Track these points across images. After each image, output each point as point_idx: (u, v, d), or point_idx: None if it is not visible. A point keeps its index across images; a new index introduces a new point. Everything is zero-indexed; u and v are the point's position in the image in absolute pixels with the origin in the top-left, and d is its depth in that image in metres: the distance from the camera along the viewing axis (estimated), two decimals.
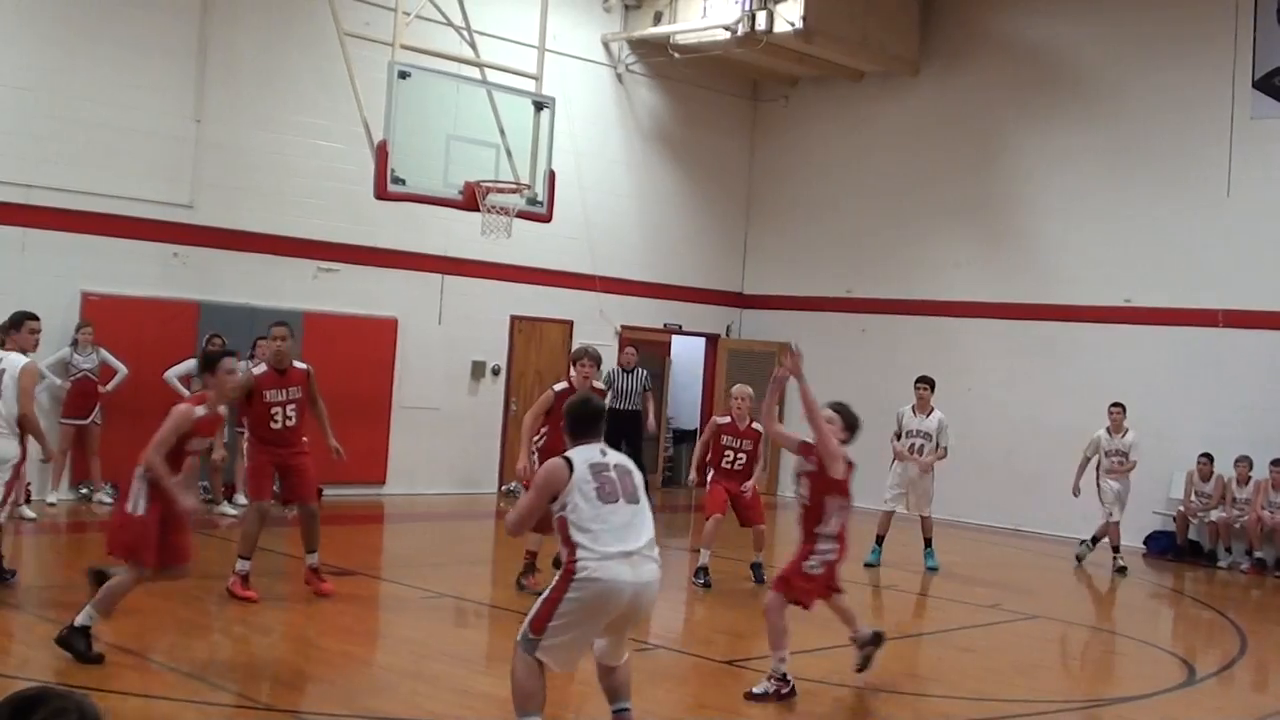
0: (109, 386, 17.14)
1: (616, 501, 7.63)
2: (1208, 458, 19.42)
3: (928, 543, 17.12)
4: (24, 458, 11.84)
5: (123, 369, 17.18)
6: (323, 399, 12.96)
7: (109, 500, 17.22)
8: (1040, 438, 20.97)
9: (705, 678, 10.62)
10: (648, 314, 24.27)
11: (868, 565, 16.62)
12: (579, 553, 7.50)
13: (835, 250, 24.56)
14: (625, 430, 20.66)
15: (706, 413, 25.30)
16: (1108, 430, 18.16)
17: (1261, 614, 16.47)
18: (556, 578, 7.63)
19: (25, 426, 11.62)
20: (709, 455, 15.08)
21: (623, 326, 23.59)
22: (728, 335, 25.76)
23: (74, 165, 17.34)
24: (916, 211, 23.59)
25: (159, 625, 11.12)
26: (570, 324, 22.82)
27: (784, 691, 9.50)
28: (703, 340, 25.72)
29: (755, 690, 9.55)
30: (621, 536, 7.58)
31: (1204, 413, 19.96)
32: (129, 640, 10.22)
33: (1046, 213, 22.11)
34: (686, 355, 25.86)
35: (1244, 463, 19.11)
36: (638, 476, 7.89)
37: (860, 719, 9.69)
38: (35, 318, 12.34)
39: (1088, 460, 18.21)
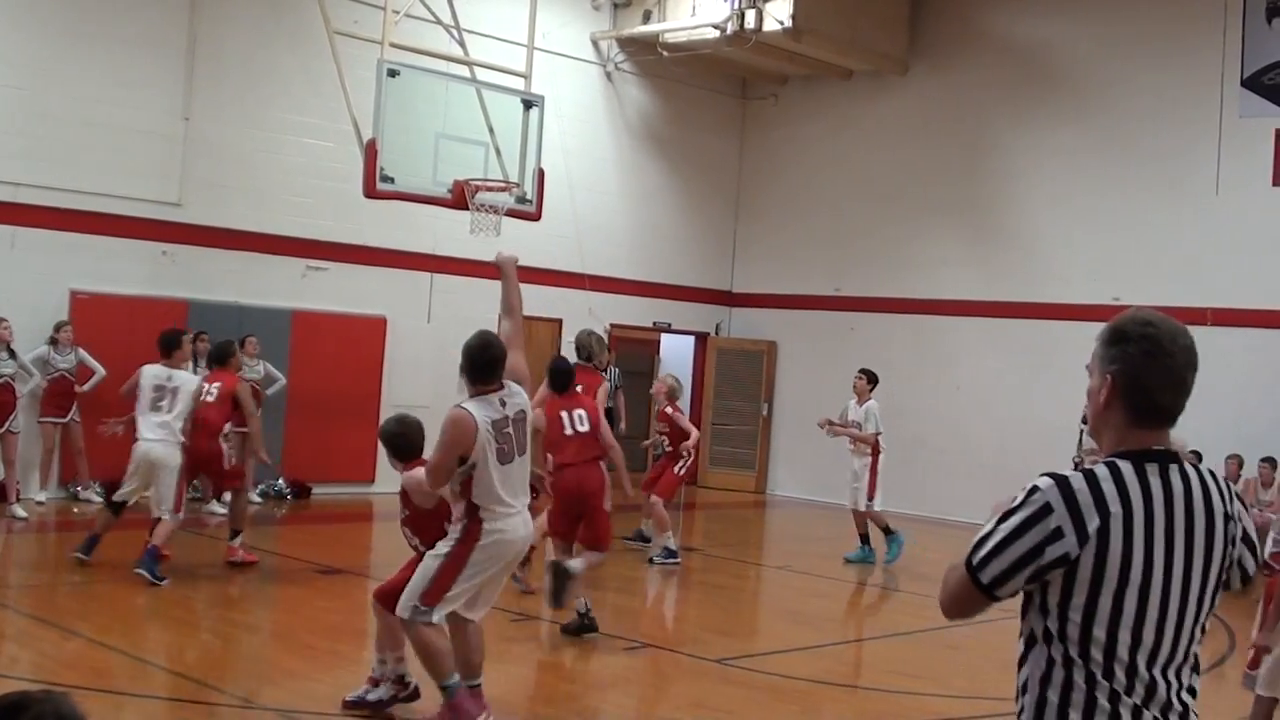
0: (86, 386, 17.01)
1: (512, 461, 8.06)
2: (1196, 456, 19.43)
3: (863, 539, 16.99)
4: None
5: (100, 370, 17.03)
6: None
7: (97, 499, 17.20)
8: (1029, 435, 20.97)
9: (695, 677, 10.60)
10: (637, 312, 24.26)
11: (847, 561, 16.79)
12: (483, 514, 7.90)
13: (824, 248, 24.56)
14: None
15: (696, 411, 25.33)
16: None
17: (1250, 612, 16.44)
18: (453, 541, 7.97)
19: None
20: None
21: (612, 325, 23.58)
22: (716, 334, 25.76)
23: (62, 163, 17.30)
24: (905, 210, 23.60)
25: (146, 624, 11.11)
26: (559, 322, 22.80)
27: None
28: (692, 339, 25.71)
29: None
30: (515, 492, 8.05)
31: (1192, 411, 19.44)
32: (117, 640, 10.21)
33: (1035, 211, 22.14)
34: (675, 354, 25.85)
35: (1233, 460, 19.13)
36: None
37: (851, 717, 9.69)
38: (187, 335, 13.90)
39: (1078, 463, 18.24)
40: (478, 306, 21.46)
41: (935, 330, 23.01)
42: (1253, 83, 19.86)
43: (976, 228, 22.86)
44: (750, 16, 21.20)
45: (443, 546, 8.00)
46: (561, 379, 12.36)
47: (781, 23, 21.17)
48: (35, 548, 15.26)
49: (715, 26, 21.76)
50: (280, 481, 18.92)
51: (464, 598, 7.99)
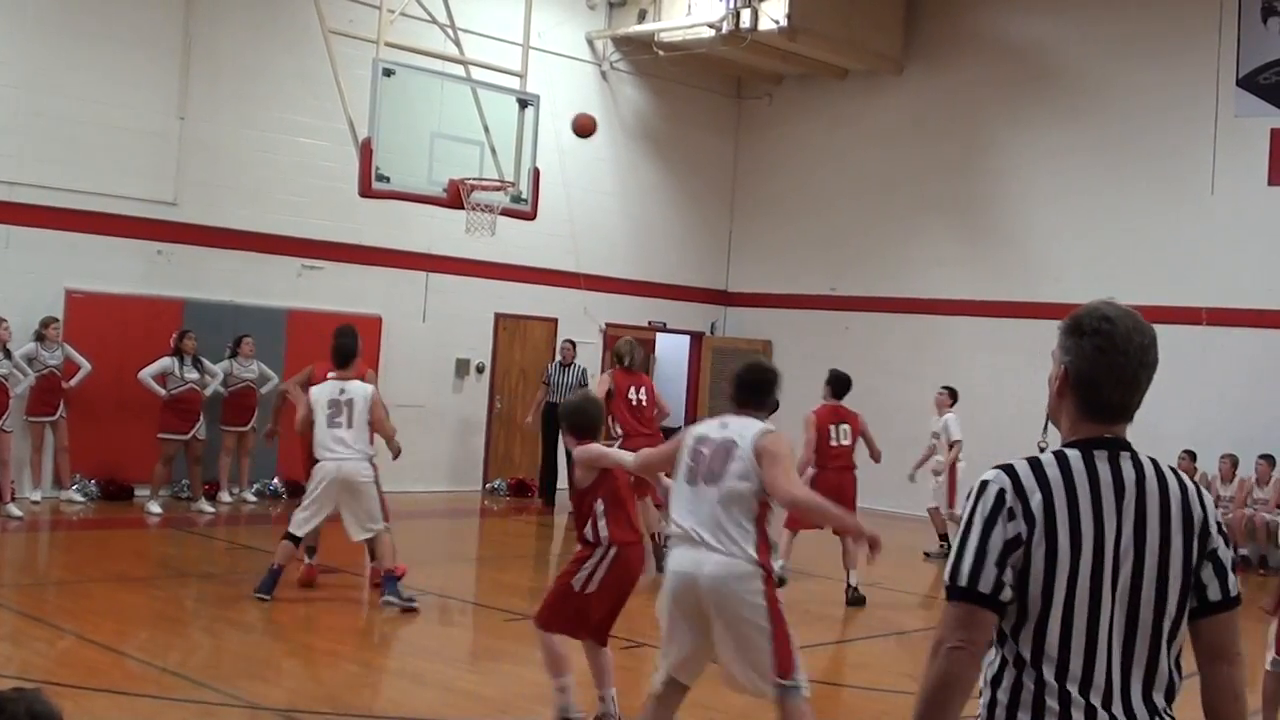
0: (72, 382, 17.00)
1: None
2: (1190, 455, 19.44)
3: (942, 538, 17.79)
4: None
5: (86, 365, 17.01)
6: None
7: (80, 499, 17.19)
8: (1025, 435, 20.90)
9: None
10: (632, 311, 24.26)
11: (927, 556, 17.56)
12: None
13: (819, 248, 24.56)
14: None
15: (691, 411, 25.32)
16: None
17: (1245, 611, 16.39)
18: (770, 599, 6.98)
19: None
20: None
21: (607, 324, 23.58)
22: (712, 333, 25.76)
23: (58, 162, 17.28)
24: (901, 209, 23.60)
25: (141, 623, 11.10)
26: (555, 322, 22.80)
27: None
28: (687, 338, 25.71)
29: None
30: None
31: (1188, 410, 19.96)
32: (110, 638, 10.20)
33: (1030, 211, 22.14)
34: (671, 353, 25.85)
35: (1227, 459, 19.15)
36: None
37: (847, 717, 9.69)
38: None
39: None
40: (473, 306, 21.52)
41: (931, 330, 23.00)
42: (1248, 82, 19.86)
43: (972, 227, 22.86)
44: (745, 16, 21.20)
45: (764, 601, 6.97)
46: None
47: (777, 22, 21.17)
48: (29, 547, 15.24)
49: (710, 25, 21.75)
50: (276, 481, 18.91)
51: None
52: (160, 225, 18.24)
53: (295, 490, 18.53)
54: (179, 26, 18.37)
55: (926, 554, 17.80)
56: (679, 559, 7.00)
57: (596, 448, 8.29)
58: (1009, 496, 3.40)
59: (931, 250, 23.17)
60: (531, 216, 17.50)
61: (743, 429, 7.10)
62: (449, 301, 21.24)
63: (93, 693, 8.25)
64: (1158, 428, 20.43)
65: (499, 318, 22.17)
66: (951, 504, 17.49)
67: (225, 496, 18.14)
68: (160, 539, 16.01)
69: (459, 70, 17.48)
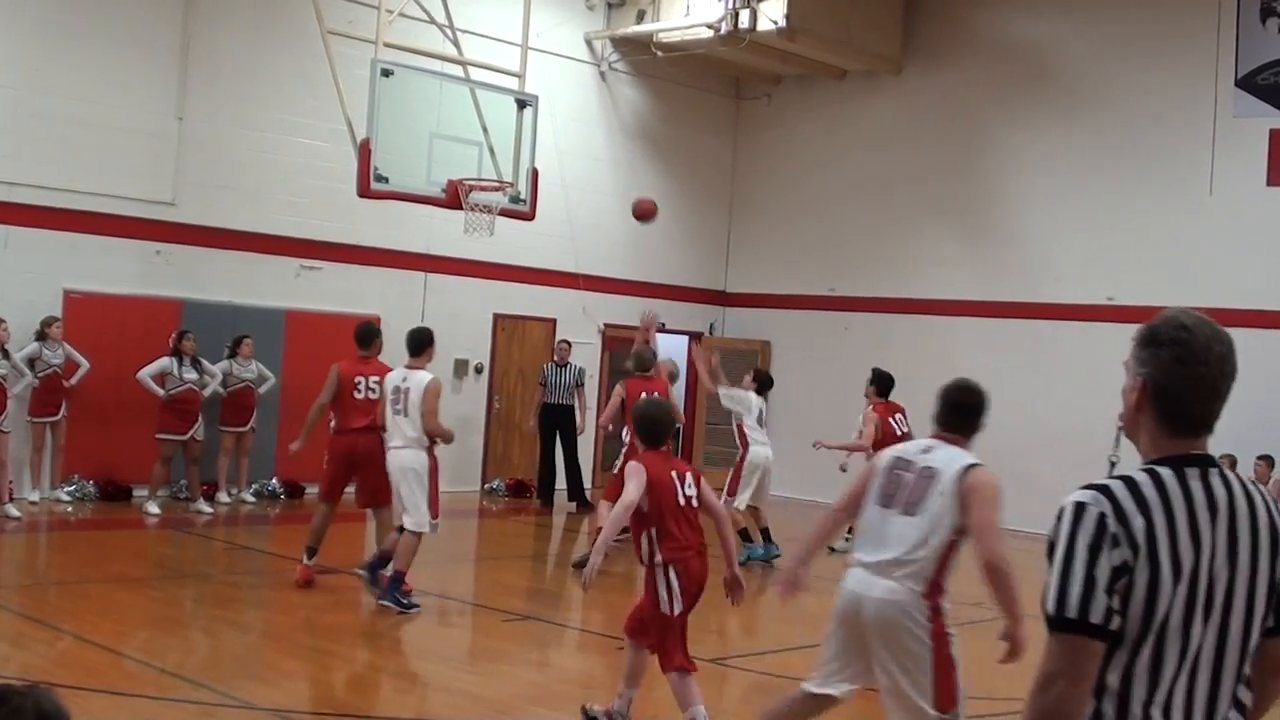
0: (72, 381, 17.01)
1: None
2: (1230, 460, 19.42)
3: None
4: None
5: (85, 363, 17.03)
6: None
7: (67, 499, 17.19)
8: (1024, 435, 20.90)
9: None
10: (630, 312, 24.17)
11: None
12: None
13: (818, 248, 24.55)
14: (558, 424, 20.81)
15: (689, 410, 25.32)
16: None
17: None
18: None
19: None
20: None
21: (605, 325, 23.59)
22: (710, 333, 25.75)
23: (56, 163, 17.28)
24: (900, 210, 23.60)
25: (139, 624, 11.10)
26: (553, 322, 22.80)
27: None
28: (685, 338, 25.68)
29: None
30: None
31: None
32: (109, 639, 10.20)
33: (1029, 211, 22.13)
34: (669, 353, 25.77)
35: (1226, 459, 19.14)
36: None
37: (844, 716, 9.67)
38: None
39: None
40: (471, 306, 21.52)
41: (930, 330, 22.99)
42: (1247, 83, 19.85)
43: (971, 227, 22.86)
44: (744, 16, 21.19)
45: (928, 636, 6.72)
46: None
47: (775, 22, 21.17)
48: (27, 548, 15.24)
49: (709, 26, 21.75)
50: (274, 481, 18.91)
51: None
52: (159, 225, 18.23)
53: (294, 491, 18.58)
54: (177, 27, 18.36)
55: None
56: (853, 579, 6.83)
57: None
58: (1110, 521, 3.29)
59: (930, 250, 23.17)
60: (530, 217, 17.50)
61: (948, 460, 6.85)
62: (447, 302, 21.23)
63: (91, 693, 8.25)
64: None
65: (498, 318, 22.16)
66: None
67: (224, 497, 18.13)
68: (158, 539, 16.00)
69: (458, 71, 17.48)
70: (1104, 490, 3.34)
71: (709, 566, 8.40)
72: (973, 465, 6.82)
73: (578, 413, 20.91)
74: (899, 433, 15.89)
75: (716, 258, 25.86)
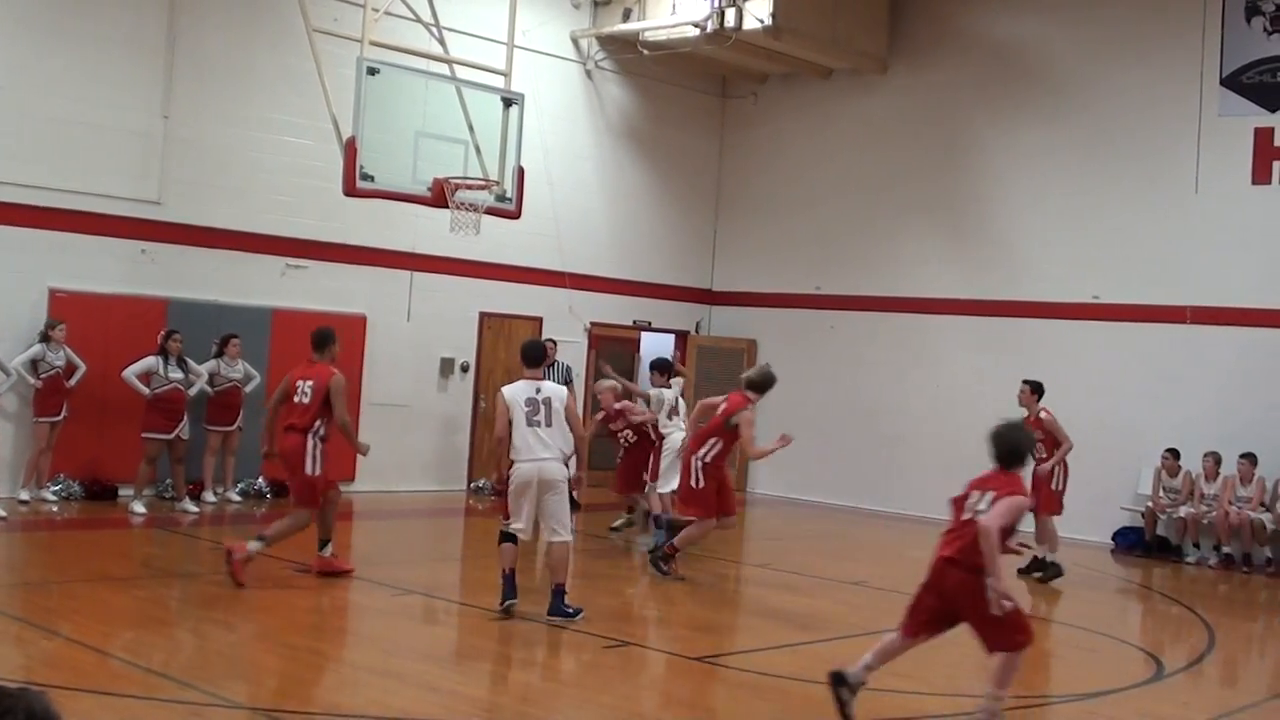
0: (71, 382, 17.08)
1: None
2: (1173, 453, 19.49)
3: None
4: None
5: (82, 365, 17.11)
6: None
7: (52, 499, 17.17)
8: None
9: (676, 675, 10.58)
10: (617, 310, 24.27)
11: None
12: None
13: (804, 247, 24.58)
14: None
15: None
16: None
17: (1229, 609, 16.54)
18: None
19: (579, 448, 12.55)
20: None
21: (592, 323, 23.59)
22: (697, 332, 25.76)
23: (41, 162, 17.26)
24: (885, 208, 23.63)
25: (127, 624, 11.08)
26: (539, 321, 22.80)
27: None
28: (672, 337, 25.71)
29: None
30: None
31: (1171, 409, 20.03)
32: (95, 639, 10.18)
33: (1015, 209, 22.16)
34: (656, 352, 25.81)
35: (1211, 458, 19.18)
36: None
37: (831, 716, 9.67)
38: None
39: None
40: (457, 305, 21.52)
41: (915, 328, 23.03)
42: (1232, 81, 19.91)
43: (956, 226, 22.89)
44: (730, 15, 21.21)
45: None
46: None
47: (761, 21, 21.19)
48: (12, 548, 15.19)
49: (695, 25, 21.76)
50: (260, 480, 18.89)
51: None
52: (144, 224, 18.22)
53: (280, 490, 18.55)
54: (162, 26, 18.34)
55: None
56: None
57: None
58: None
59: (916, 249, 23.20)
60: (516, 215, 17.49)
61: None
62: (433, 300, 21.23)
63: (79, 693, 8.23)
64: (1141, 426, 20.59)
65: (484, 317, 22.16)
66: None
67: (210, 496, 18.12)
68: (144, 539, 15.97)
69: (443, 69, 17.46)
70: None
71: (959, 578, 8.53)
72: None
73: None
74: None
75: (703, 256, 25.87)
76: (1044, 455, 16.47)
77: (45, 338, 16.78)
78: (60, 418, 17.04)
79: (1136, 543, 19.86)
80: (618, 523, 18.15)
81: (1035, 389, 16.95)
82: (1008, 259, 22.13)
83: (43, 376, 16.77)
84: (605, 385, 18.02)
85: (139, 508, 16.85)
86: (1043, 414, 16.69)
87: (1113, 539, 20.05)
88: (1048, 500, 16.54)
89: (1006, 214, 22.29)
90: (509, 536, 12.02)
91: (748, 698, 9.90)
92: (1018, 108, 22.18)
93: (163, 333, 17.53)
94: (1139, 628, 15.52)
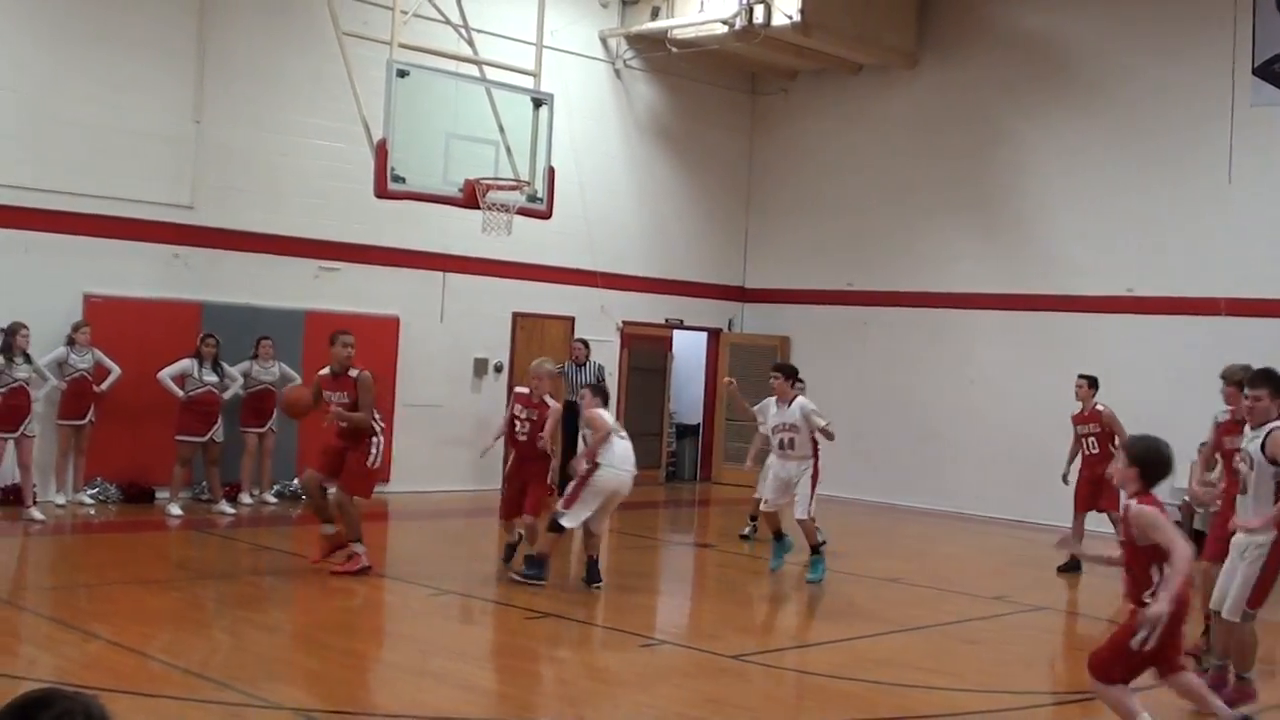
0: (103, 386, 17.14)
1: None
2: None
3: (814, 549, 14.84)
4: None
5: (116, 369, 17.17)
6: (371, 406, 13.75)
7: (89, 500, 17.26)
8: (1043, 428, 20.87)
9: (712, 673, 10.58)
10: (649, 309, 24.27)
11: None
12: None
13: (836, 243, 24.53)
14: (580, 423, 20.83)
15: (709, 408, 25.36)
16: None
17: (1269, 603, 16.44)
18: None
19: None
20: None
21: (624, 322, 23.60)
22: (729, 329, 25.75)
23: (75, 167, 17.35)
24: (917, 203, 23.57)
25: (163, 625, 11.13)
26: (572, 320, 22.82)
27: None
28: (704, 335, 25.70)
29: None
30: None
31: (1207, 401, 19.89)
32: (134, 640, 10.24)
33: (1047, 203, 22.08)
34: (688, 350, 25.84)
35: None
36: None
37: (867, 712, 9.67)
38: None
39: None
40: (490, 305, 21.56)
41: (948, 323, 22.97)
42: (1264, 71, 19.79)
43: (988, 221, 22.82)
44: (759, 11, 21.18)
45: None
46: None
47: (790, 17, 21.16)
48: (52, 550, 15.29)
49: (724, 22, 21.75)
50: (295, 482, 18.94)
51: None
52: (177, 229, 18.31)
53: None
54: (193, 31, 18.43)
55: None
56: None
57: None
58: None
59: (948, 244, 23.14)
60: (547, 215, 17.50)
61: None
62: (466, 301, 21.27)
63: (117, 694, 8.27)
64: (1177, 420, 20.43)
65: (516, 317, 22.18)
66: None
67: (246, 498, 18.19)
68: (181, 541, 16.06)
69: (473, 70, 17.49)
70: None
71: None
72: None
73: None
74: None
75: (734, 253, 25.85)
76: (1097, 451, 16.46)
77: (70, 340, 16.86)
78: (85, 421, 17.08)
79: None
80: (746, 530, 17.75)
81: (1092, 384, 16.90)
82: (1040, 253, 22.05)
83: (68, 379, 16.83)
84: (545, 370, 14.76)
85: (175, 510, 16.94)
86: (1100, 408, 16.66)
87: None
88: (1111, 496, 16.51)
89: (1038, 208, 22.20)
90: (559, 527, 12.79)
91: (785, 695, 9.91)
92: (1048, 101, 22.10)
93: (200, 335, 17.61)
94: None
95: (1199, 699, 8.57)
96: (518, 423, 14.18)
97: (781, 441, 14.71)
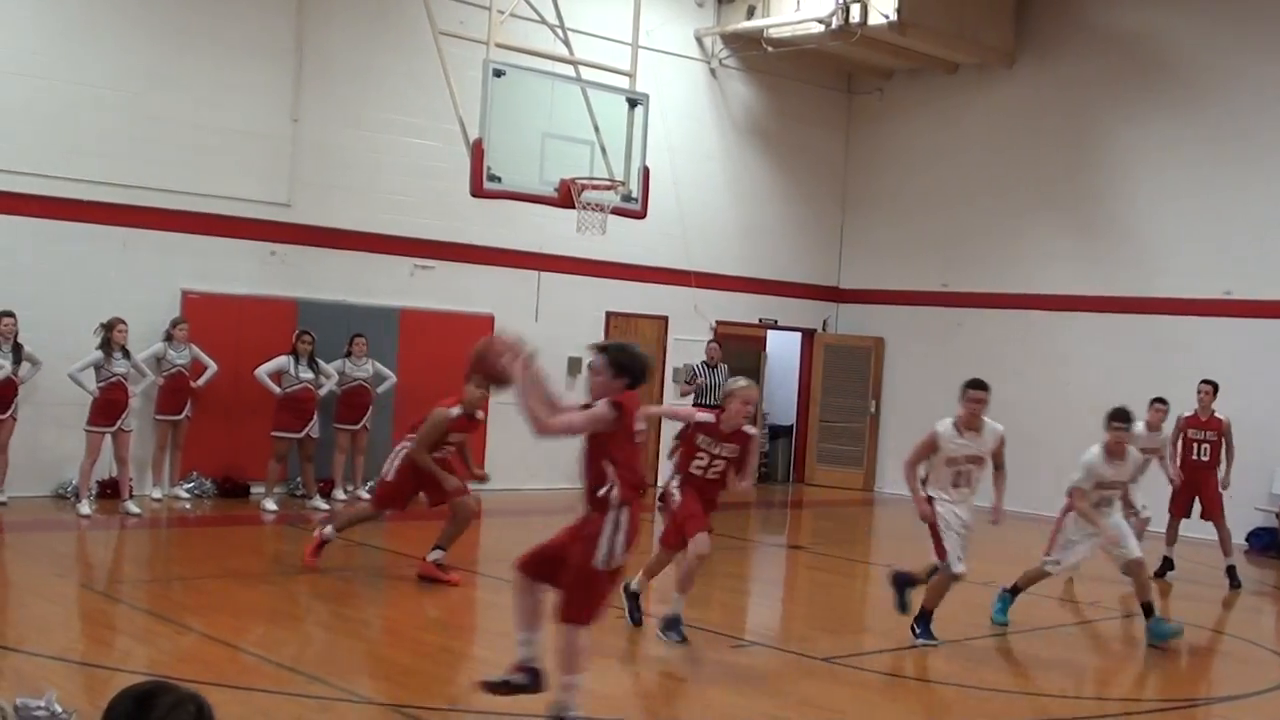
0: (200, 382, 17.32)
1: None
2: None
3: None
4: None
5: (213, 365, 17.35)
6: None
7: (185, 496, 17.45)
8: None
9: (802, 675, 10.53)
10: (743, 309, 24.23)
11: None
12: None
13: (931, 243, 24.39)
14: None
15: (802, 409, 25.28)
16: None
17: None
18: None
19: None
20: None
21: (718, 322, 23.56)
22: (824, 330, 25.66)
23: (174, 165, 17.56)
24: (1013, 204, 23.38)
25: (257, 619, 11.23)
26: (665, 320, 22.83)
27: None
28: (799, 335, 25.62)
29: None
30: None
31: None
32: (227, 634, 10.33)
33: (1144, 204, 21.84)
34: (782, 350, 25.76)
35: None
36: None
37: (960, 717, 9.61)
38: None
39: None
40: (584, 304, 21.59)
41: (1044, 326, 22.77)
42: None
43: (1085, 222, 22.60)
44: (855, 10, 21.10)
45: None
46: None
47: (886, 16, 21.06)
48: (148, 544, 15.47)
49: (820, 21, 21.68)
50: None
51: None
52: (274, 226, 18.49)
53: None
54: (291, 31, 18.60)
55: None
56: None
57: None
58: None
59: (1044, 245, 22.94)
60: (642, 215, 17.52)
61: None
62: (560, 300, 21.32)
63: (210, 687, 8.35)
64: (1276, 425, 20.13)
65: (610, 316, 22.21)
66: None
67: (340, 494, 18.32)
68: (276, 536, 16.21)
69: (569, 70, 17.53)
70: None
71: None
72: None
73: None
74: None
75: (829, 253, 25.75)
76: (1207, 459, 16.43)
77: (168, 336, 17.05)
78: (181, 417, 17.28)
79: (1271, 543, 19.52)
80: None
81: (1217, 389, 16.80)
82: (1138, 254, 21.82)
83: (165, 374, 17.03)
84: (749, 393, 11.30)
85: (270, 505, 17.11)
86: (1220, 416, 16.64)
87: (1247, 540, 19.69)
88: (1214, 503, 16.52)
89: (1136, 209, 21.97)
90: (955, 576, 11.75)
91: (876, 699, 9.85)
92: (1147, 100, 21.86)
93: (296, 332, 17.77)
94: (1274, 631, 15.24)
95: None
96: (704, 457, 11.10)
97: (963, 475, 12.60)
